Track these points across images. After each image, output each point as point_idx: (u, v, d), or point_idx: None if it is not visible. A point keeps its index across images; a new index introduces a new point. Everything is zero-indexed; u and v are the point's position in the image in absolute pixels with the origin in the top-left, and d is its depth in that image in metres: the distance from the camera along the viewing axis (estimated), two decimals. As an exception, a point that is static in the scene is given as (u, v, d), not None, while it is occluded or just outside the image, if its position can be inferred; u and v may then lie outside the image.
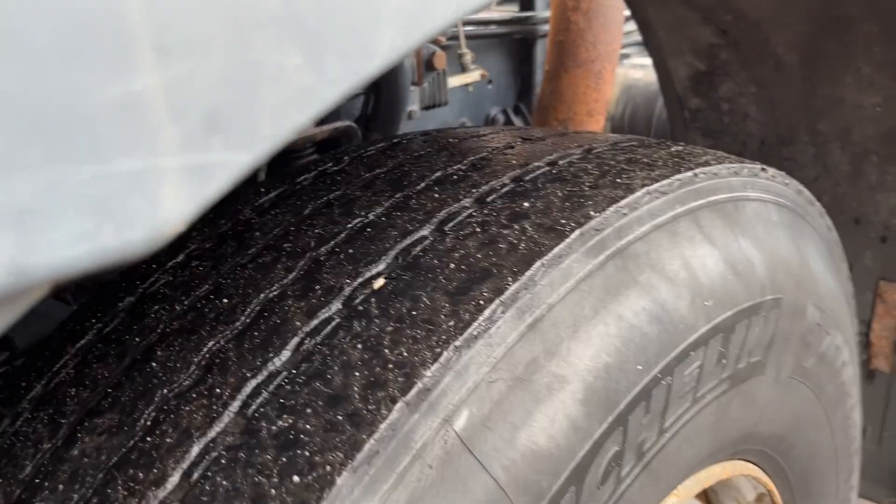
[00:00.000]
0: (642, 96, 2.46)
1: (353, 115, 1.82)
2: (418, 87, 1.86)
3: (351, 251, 0.68)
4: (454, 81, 2.12)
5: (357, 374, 0.57)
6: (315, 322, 0.62)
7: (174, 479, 0.55)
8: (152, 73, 0.23)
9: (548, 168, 0.78)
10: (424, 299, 0.61)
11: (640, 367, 0.70)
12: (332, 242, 0.70)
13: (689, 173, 0.80)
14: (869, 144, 1.59)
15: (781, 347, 0.98)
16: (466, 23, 2.33)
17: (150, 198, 0.24)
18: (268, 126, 0.27)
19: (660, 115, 2.39)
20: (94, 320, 0.75)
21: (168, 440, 0.57)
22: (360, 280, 0.64)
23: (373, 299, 0.62)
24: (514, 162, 0.81)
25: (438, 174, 0.79)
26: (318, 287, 0.65)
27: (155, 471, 0.56)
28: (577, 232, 0.67)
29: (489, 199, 0.73)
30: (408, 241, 0.68)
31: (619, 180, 0.75)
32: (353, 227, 0.72)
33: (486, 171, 0.79)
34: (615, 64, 2.09)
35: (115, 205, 0.24)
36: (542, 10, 2.44)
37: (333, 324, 0.61)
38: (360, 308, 0.62)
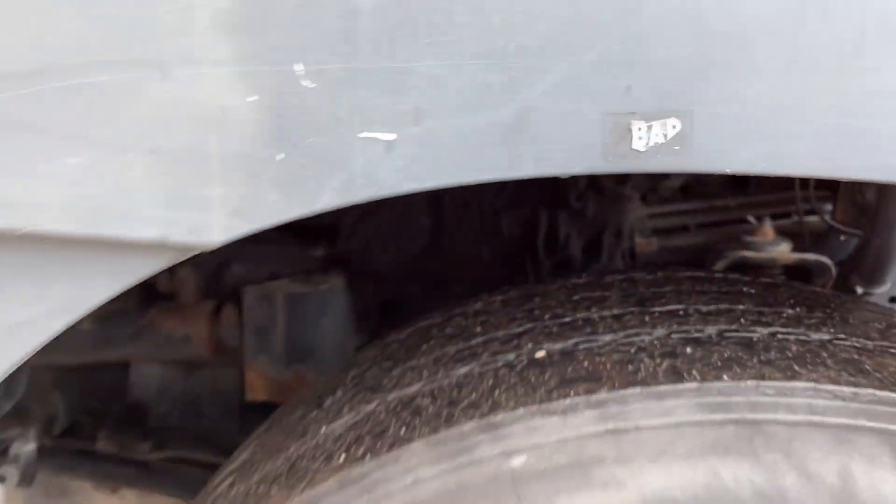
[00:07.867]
0: None
1: (846, 253, 1.82)
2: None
3: (550, 332, 0.94)
4: None
5: (471, 395, 0.85)
6: (497, 364, 0.91)
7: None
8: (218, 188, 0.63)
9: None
10: (545, 376, 0.85)
11: (715, 526, 0.77)
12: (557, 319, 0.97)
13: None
14: None
15: None
16: None
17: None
18: (258, 221, 0.62)
19: None
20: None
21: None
22: (528, 348, 0.91)
23: (525, 361, 0.89)
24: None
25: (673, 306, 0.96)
26: (515, 340, 0.94)
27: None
28: (695, 384, 0.79)
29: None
30: (584, 338, 0.90)
31: (795, 366, 0.81)
32: (579, 318, 0.97)
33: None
34: None
35: (200, 229, 0.64)
36: None
37: (499, 365, 0.90)
38: (514, 364, 0.89)
